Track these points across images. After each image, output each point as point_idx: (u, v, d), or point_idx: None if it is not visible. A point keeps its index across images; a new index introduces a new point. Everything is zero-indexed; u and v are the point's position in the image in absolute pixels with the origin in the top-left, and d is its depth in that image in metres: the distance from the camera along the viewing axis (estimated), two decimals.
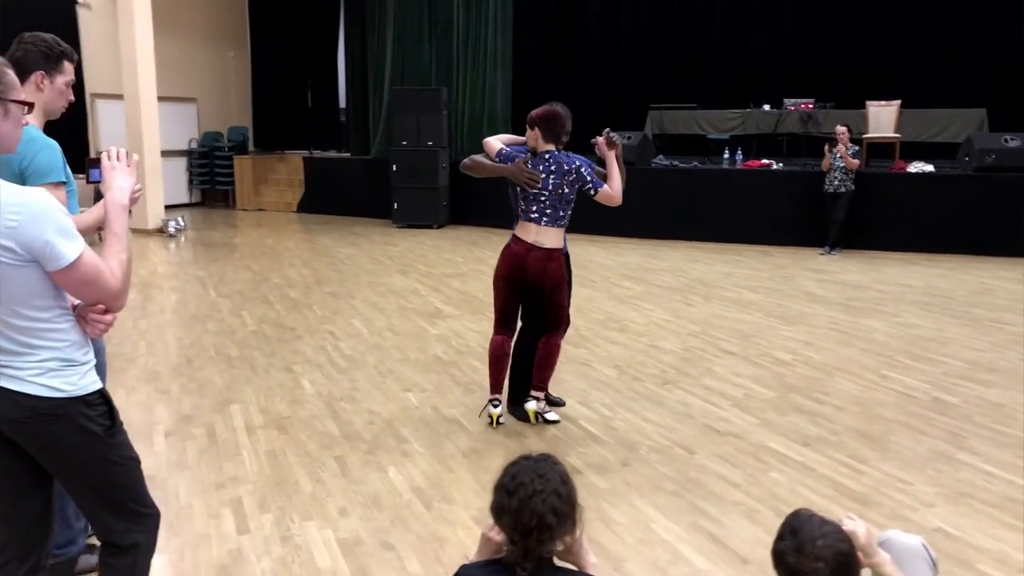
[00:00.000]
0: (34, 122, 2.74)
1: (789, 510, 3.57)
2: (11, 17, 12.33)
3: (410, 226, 13.04)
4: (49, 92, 2.78)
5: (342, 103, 16.82)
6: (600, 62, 14.77)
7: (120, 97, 12.57)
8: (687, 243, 11.40)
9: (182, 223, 12.52)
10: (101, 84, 14.00)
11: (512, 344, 4.69)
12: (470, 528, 3.40)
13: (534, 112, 4.45)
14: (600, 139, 4.53)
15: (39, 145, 2.70)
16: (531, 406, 4.62)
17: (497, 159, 4.50)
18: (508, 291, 4.54)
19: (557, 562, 2.16)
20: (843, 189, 10.33)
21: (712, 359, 5.89)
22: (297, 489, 3.81)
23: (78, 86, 13.35)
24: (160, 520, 2.42)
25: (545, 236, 4.40)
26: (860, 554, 1.98)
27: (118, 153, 2.31)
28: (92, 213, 2.61)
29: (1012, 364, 5.71)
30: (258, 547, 3.28)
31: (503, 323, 4.62)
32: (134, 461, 2.32)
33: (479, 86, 13.68)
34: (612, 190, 4.41)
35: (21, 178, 2.63)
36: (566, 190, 4.38)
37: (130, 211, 2.32)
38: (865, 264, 9.77)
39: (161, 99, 13.58)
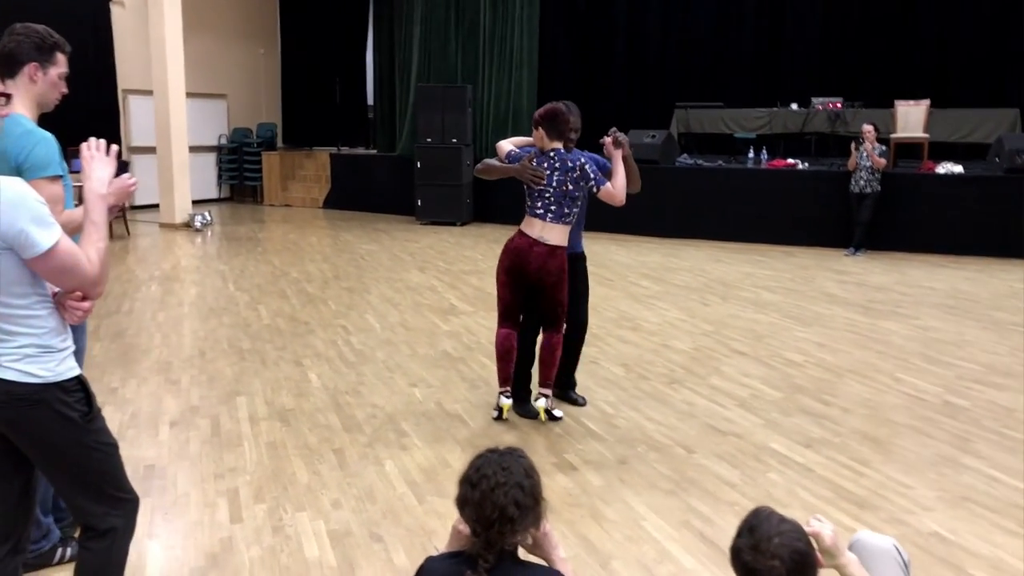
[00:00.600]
0: (27, 115, 2.79)
1: (784, 512, 3.55)
2: (46, 15, 12.58)
3: (433, 223, 13.09)
4: (42, 84, 2.82)
5: (370, 100, 16.93)
6: (627, 60, 14.70)
7: (151, 93, 12.76)
8: (710, 243, 11.32)
9: (209, 218, 12.68)
10: (133, 80, 14.22)
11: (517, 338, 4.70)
12: None
13: (538, 111, 4.53)
14: (607, 139, 4.61)
15: (36, 138, 2.74)
16: (541, 404, 4.62)
17: (506, 160, 4.60)
18: (511, 283, 4.56)
19: (523, 555, 2.16)
20: (869, 189, 10.19)
21: (722, 359, 5.84)
22: (293, 480, 3.84)
23: (111, 82, 13.46)
24: (139, 505, 2.46)
25: (550, 232, 4.45)
26: (822, 556, 1.96)
27: (97, 144, 2.35)
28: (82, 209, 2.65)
29: None
30: (249, 536, 3.32)
31: (507, 316, 4.63)
32: (112, 447, 2.36)
33: (505, 84, 13.69)
34: (614, 188, 4.44)
35: (18, 171, 2.68)
36: (570, 187, 4.42)
37: (123, 205, 2.35)
38: (890, 266, 9.63)
39: (192, 95, 13.74)
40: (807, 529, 1.96)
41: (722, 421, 4.65)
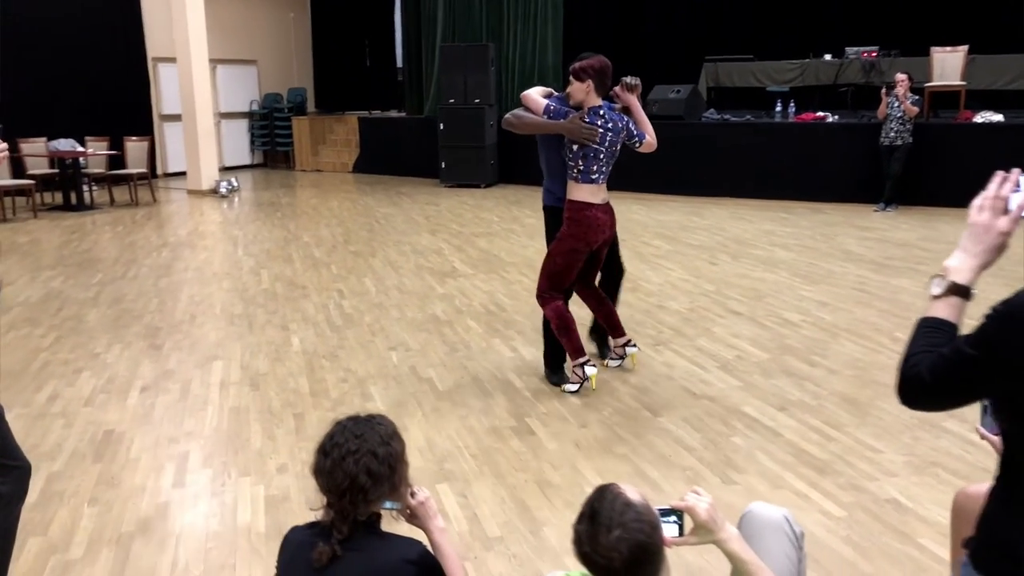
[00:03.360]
0: None
1: (738, 477, 3.45)
2: None
3: (458, 185, 12.99)
4: None
5: (399, 62, 16.81)
6: (656, 13, 14.28)
7: None
8: (736, 200, 11.02)
9: (235, 184, 12.77)
10: (162, 48, 14.30)
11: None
12: None
13: (584, 63, 4.17)
14: (617, 89, 4.48)
15: None
16: (634, 350, 4.78)
17: (545, 116, 4.24)
18: (583, 257, 4.37)
19: (400, 521, 2.11)
20: (899, 142, 9.76)
21: (715, 319, 5.66)
22: (246, 445, 3.83)
23: (140, 50, 13.59)
24: (30, 472, 2.45)
25: (605, 192, 4.36)
26: (696, 532, 1.83)
27: None
28: None
29: None
30: (186, 501, 3.32)
31: (561, 288, 4.44)
32: None
33: (529, 42, 13.45)
34: (651, 138, 4.44)
35: None
36: (618, 147, 4.34)
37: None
38: (919, 221, 9.25)
39: (223, 61, 13.74)
40: (680, 504, 1.84)
41: (699, 384, 4.50)
